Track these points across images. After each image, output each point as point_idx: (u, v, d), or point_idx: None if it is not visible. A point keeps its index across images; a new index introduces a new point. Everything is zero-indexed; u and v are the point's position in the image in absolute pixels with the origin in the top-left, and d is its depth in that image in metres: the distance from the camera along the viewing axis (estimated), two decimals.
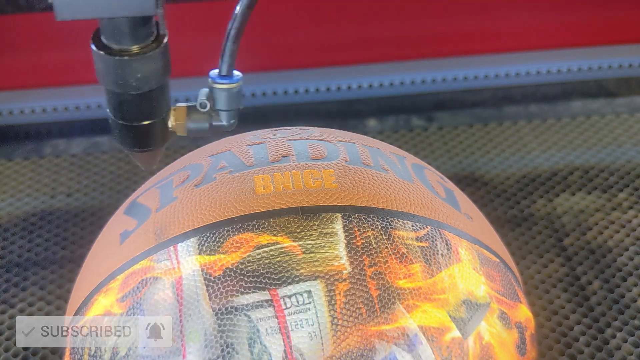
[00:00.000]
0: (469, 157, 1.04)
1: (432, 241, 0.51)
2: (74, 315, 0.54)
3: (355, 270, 0.47)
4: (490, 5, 1.17)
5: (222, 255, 0.48)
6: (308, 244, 0.48)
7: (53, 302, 0.83)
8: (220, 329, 0.46)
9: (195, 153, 0.59)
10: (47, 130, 1.11)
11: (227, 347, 0.46)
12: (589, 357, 0.77)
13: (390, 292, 0.47)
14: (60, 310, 0.81)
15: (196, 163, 0.56)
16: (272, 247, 0.48)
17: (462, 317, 0.49)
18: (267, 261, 0.47)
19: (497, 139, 1.08)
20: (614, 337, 0.79)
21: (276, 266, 0.47)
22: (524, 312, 0.55)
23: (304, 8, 1.13)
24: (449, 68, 1.17)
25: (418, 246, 0.50)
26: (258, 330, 0.46)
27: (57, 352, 0.77)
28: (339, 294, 0.47)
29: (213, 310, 0.46)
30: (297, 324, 0.46)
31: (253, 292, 0.46)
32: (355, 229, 0.49)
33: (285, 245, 0.48)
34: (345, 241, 0.48)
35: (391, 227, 0.50)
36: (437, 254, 0.50)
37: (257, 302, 0.46)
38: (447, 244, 0.51)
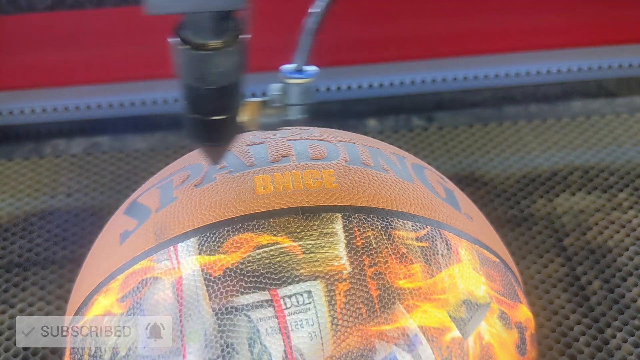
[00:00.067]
0: (469, 157, 1.04)
1: (432, 241, 0.51)
2: (74, 315, 0.54)
3: (355, 271, 0.47)
4: (490, 5, 1.16)
5: (222, 255, 0.48)
6: (308, 244, 0.48)
7: (53, 302, 0.83)
8: (220, 329, 0.46)
9: (195, 153, 0.59)
10: (47, 130, 1.11)
11: (227, 347, 0.46)
12: (589, 357, 0.77)
13: (390, 292, 0.47)
14: (60, 310, 0.81)
15: (196, 163, 0.56)
16: (272, 247, 0.48)
17: (462, 317, 0.49)
18: (267, 261, 0.47)
19: (497, 139, 1.08)
20: (614, 337, 0.79)
21: (276, 266, 0.47)
22: (524, 312, 0.55)
23: (304, 8, 1.13)
24: (449, 68, 1.17)
25: (418, 246, 0.50)
26: (258, 331, 0.46)
27: (57, 352, 0.77)
28: (339, 294, 0.47)
29: (213, 311, 0.46)
30: (297, 324, 0.46)
31: (253, 292, 0.46)
32: (355, 229, 0.49)
33: (285, 245, 0.48)
34: (345, 241, 0.48)
35: (391, 227, 0.50)
36: (437, 254, 0.50)
37: (257, 302, 0.46)
38: (447, 244, 0.51)
